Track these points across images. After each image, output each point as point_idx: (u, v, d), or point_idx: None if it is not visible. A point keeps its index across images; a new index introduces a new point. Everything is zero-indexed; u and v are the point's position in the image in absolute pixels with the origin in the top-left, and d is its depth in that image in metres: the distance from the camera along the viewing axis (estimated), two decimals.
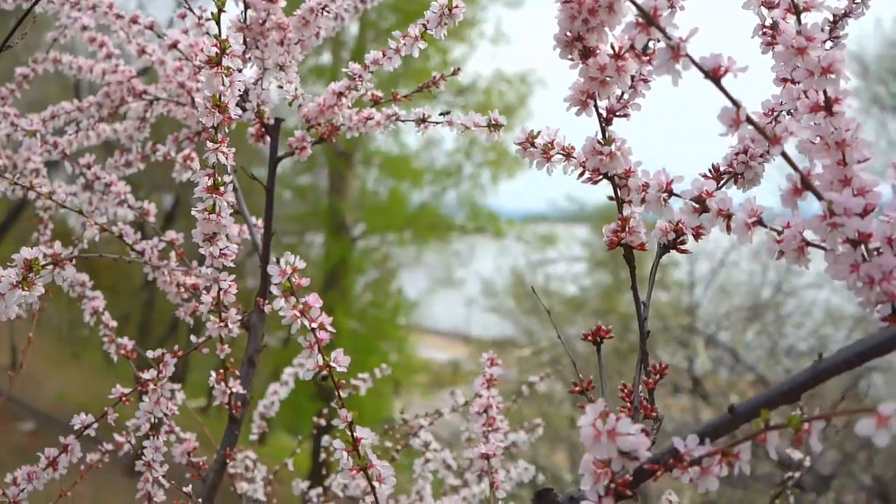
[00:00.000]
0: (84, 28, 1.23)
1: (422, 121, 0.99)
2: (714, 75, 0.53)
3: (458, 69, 1.05)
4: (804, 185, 0.54)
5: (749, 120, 0.53)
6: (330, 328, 0.66)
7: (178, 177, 1.27)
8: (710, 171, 0.72)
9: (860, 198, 0.55)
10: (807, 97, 0.59)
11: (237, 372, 1.01)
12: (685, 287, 8.19)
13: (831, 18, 0.75)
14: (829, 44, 0.75)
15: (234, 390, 1.01)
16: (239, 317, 0.94)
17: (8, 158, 1.35)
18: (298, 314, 0.64)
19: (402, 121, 1.01)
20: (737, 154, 0.72)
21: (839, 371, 0.52)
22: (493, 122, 0.88)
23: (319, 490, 1.41)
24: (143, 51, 1.19)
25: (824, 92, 0.56)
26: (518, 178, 11.71)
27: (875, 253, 0.56)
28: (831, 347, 7.15)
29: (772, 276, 7.67)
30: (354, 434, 0.68)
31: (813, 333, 7.49)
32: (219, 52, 0.73)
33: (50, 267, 0.69)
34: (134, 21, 1.15)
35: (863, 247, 0.56)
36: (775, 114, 0.73)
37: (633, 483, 0.57)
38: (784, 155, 0.54)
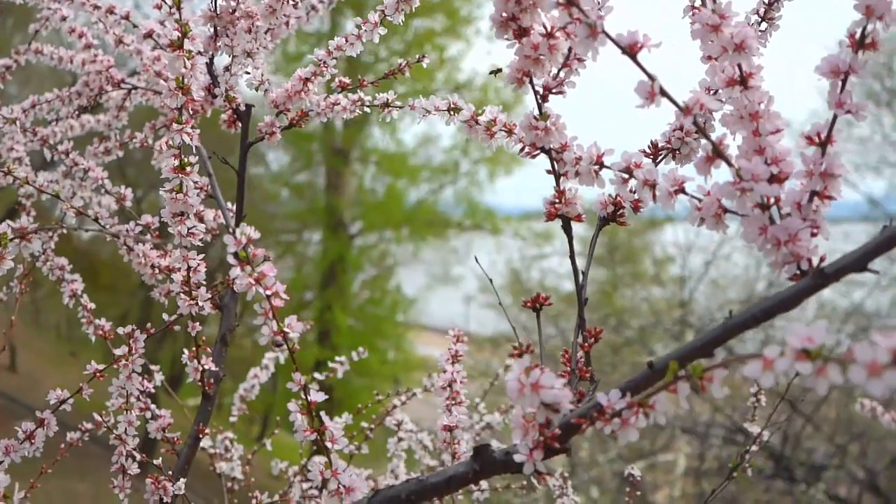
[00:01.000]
0: (63, 19, 1.27)
1: (385, 105, 1.03)
2: (630, 51, 0.57)
3: (423, 56, 1.09)
4: (716, 153, 0.58)
5: (663, 92, 0.57)
6: (284, 296, 0.69)
7: (156, 164, 1.30)
8: (648, 146, 0.75)
9: (773, 165, 0.59)
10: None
11: (209, 349, 1.04)
12: (678, 282, 8.23)
13: (766, 0, 0.78)
14: (763, 25, 0.79)
15: (206, 367, 1.05)
16: (209, 295, 0.98)
17: None
18: (254, 282, 0.68)
19: (368, 106, 1.05)
20: (674, 130, 0.75)
21: (748, 326, 0.56)
22: (452, 106, 0.91)
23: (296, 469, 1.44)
24: (120, 41, 1.22)
25: (739, 66, 0.60)
26: (515, 175, 11.75)
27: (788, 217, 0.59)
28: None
29: (765, 269, 7.72)
30: (309, 397, 0.72)
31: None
32: (180, 35, 0.76)
33: (17, 240, 0.73)
34: (110, 11, 1.18)
35: (775, 211, 0.59)
36: (711, 92, 0.76)
37: (561, 437, 0.60)
38: (696, 125, 0.57)
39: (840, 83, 0.58)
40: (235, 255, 0.67)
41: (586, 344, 0.70)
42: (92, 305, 1.21)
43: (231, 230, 0.66)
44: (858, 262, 0.53)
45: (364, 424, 1.39)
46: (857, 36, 0.58)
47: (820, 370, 0.42)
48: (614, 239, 11.11)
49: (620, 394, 0.58)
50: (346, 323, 10.84)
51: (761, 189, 0.56)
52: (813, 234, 0.57)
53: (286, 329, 0.69)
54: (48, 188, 1.12)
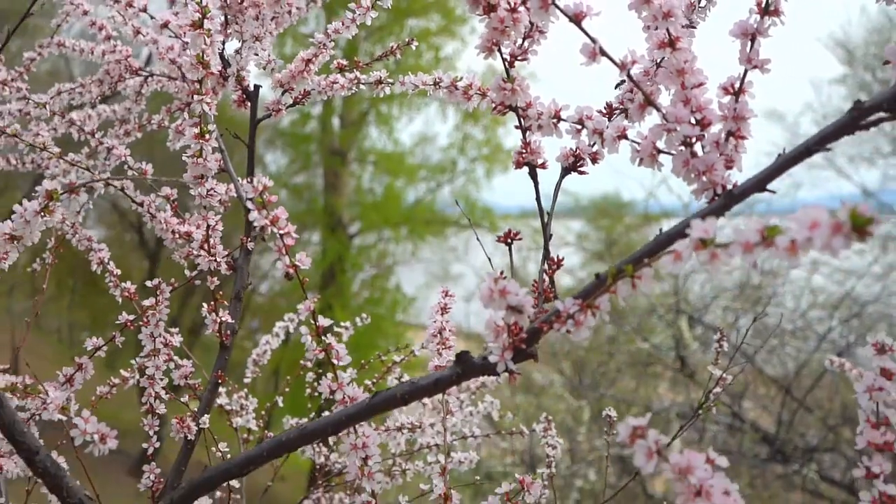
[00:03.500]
0: (85, 13, 1.40)
1: (379, 82, 1.15)
2: (576, 19, 0.69)
3: (413, 39, 1.21)
4: (647, 101, 0.71)
5: (602, 52, 0.69)
6: (294, 234, 0.82)
7: (171, 145, 1.43)
8: (604, 107, 0.88)
9: (697, 112, 0.72)
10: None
11: (226, 303, 1.17)
12: (674, 274, 8.37)
13: None
14: (703, 1, 0.92)
15: (223, 320, 1.17)
16: (225, 252, 1.11)
17: (18, 136, 1.51)
18: (269, 223, 0.81)
19: (363, 83, 1.17)
20: (625, 93, 0.88)
21: (675, 240, 0.68)
22: (436, 80, 1.04)
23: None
24: (137, 32, 1.35)
25: (668, 31, 0.73)
26: (512, 173, 11.84)
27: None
28: (815, 327, 7.25)
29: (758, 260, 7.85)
30: (318, 322, 0.85)
31: (801, 315, 7.67)
32: (201, 16, 0.89)
33: (67, 195, 0.85)
34: (129, 5, 1.31)
35: (699, 150, 0.72)
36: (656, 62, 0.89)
37: (528, 340, 0.73)
38: (630, 78, 0.70)
39: (749, 42, 0.70)
40: (253, 200, 0.80)
41: (550, 270, 0.83)
42: (118, 271, 1.33)
43: (248, 179, 0.79)
44: (759, 184, 0.66)
45: (367, 382, 1.52)
46: (763, 4, 0.70)
47: (713, 255, 0.55)
48: (612, 234, 11.25)
49: (573, 300, 0.70)
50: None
51: (684, 130, 0.69)
52: (728, 167, 0.70)
53: (297, 263, 0.82)
54: (78, 164, 1.25)
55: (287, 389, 1.60)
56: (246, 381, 1.60)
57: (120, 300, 1.30)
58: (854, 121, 0.63)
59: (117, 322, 1.12)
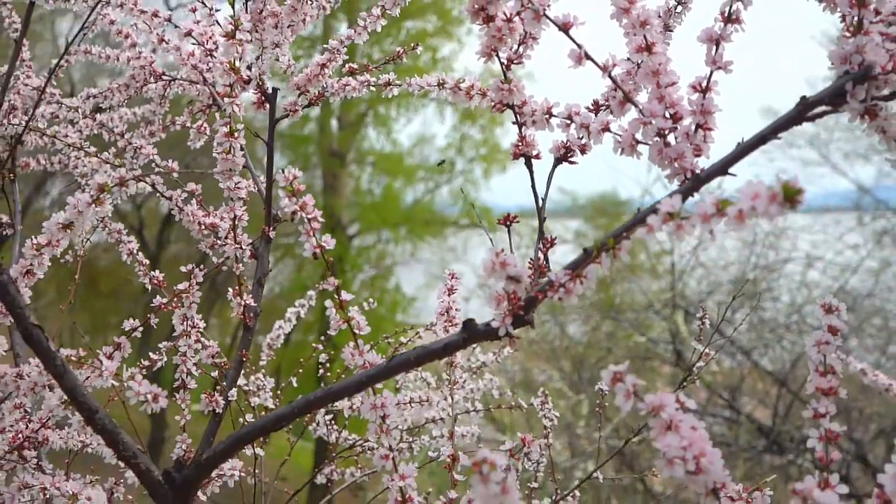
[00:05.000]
0: (112, 22, 1.50)
1: (388, 84, 1.26)
2: (565, 28, 0.80)
3: (418, 44, 1.33)
4: (626, 99, 0.82)
5: (587, 56, 0.80)
6: (321, 219, 0.93)
7: (192, 144, 1.54)
8: (591, 104, 0.99)
9: (670, 108, 0.83)
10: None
11: (249, 287, 1.28)
12: (671, 271, 8.49)
13: None
14: (679, 7, 1.03)
15: (247, 303, 1.28)
16: (250, 240, 1.21)
17: (51, 137, 1.62)
18: (299, 209, 0.91)
19: (373, 86, 1.28)
20: (611, 90, 0.99)
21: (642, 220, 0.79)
22: (440, 81, 1.15)
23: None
24: (161, 39, 1.45)
25: (644, 37, 0.84)
26: (510, 173, 11.98)
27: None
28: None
29: (754, 259, 8.00)
30: (341, 297, 0.96)
31: (796, 310, 7.79)
32: (233, 27, 0.99)
33: (117, 187, 0.96)
34: (155, 15, 1.42)
35: (672, 139, 0.83)
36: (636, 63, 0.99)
37: (525, 307, 0.84)
38: (611, 78, 0.81)
39: (714, 46, 0.81)
40: (284, 188, 0.91)
41: (544, 248, 0.94)
42: (146, 261, 1.44)
43: (281, 170, 0.89)
44: (721, 169, 0.77)
45: None
46: (726, 13, 0.81)
47: (678, 226, 0.66)
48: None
49: (564, 270, 0.81)
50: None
51: (658, 123, 0.80)
52: (696, 155, 0.81)
53: (323, 243, 0.93)
54: (111, 163, 1.35)
55: (300, 371, 1.71)
56: (262, 363, 1.71)
57: (149, 288, 1.41)
58: (800, 113, 0.74)
59: (151, 305, 1.23)
